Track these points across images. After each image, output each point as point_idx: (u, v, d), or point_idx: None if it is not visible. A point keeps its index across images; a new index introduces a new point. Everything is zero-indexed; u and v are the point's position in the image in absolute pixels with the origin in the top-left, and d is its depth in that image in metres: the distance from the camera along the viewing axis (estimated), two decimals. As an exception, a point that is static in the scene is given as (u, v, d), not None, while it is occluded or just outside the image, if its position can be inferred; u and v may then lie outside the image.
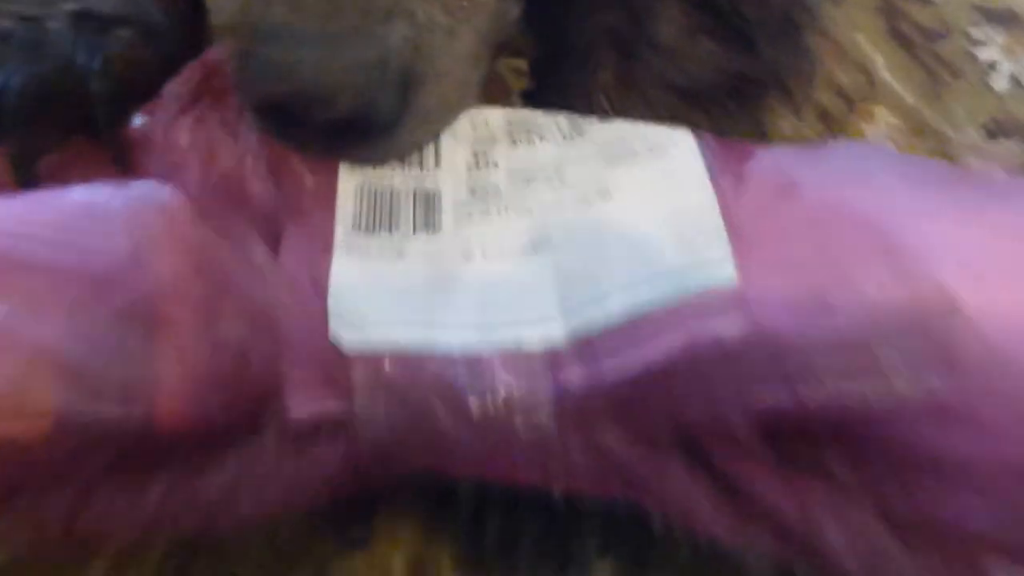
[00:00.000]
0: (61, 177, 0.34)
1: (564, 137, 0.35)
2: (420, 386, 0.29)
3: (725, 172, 0.32)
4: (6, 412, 0.28)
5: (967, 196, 0.30)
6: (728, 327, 0.27)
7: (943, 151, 0.51)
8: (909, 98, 0.53)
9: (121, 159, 0.35)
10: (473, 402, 0.29)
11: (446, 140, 0.35)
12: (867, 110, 0.52)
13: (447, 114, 0.34)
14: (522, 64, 0.46)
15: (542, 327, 0.29)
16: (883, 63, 0.55)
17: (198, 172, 0.33)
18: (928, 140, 0.52)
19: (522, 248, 0.32)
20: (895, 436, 0.26)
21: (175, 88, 0.36)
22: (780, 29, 0.42)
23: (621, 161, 0.34)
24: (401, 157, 0.33)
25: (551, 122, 0.36)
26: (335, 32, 0.30)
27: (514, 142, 0.35)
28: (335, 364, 0.30)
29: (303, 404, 0.30)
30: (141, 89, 0.35)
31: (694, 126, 0.40)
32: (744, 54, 0.42)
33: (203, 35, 0.37)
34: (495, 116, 0.36)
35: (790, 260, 0.28)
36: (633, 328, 0.28)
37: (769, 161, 0.33)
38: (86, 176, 0.34)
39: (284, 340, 0.30)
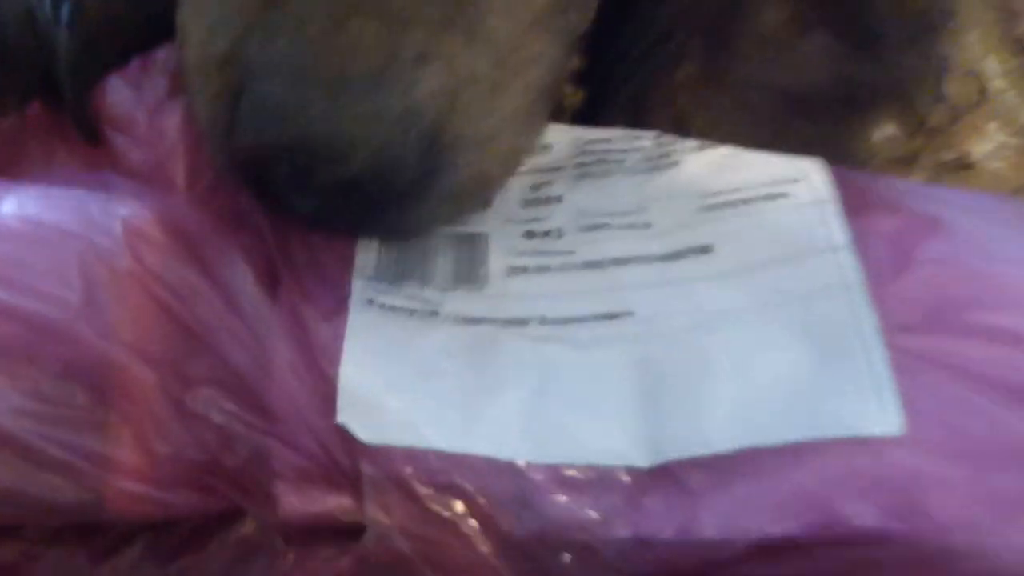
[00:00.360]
0: (15, 150, 0.28)
1: (649, 166, 0.27)
2: (449, 498, 0.22)
3: (878, 235, 0.24)
4: None
5: None
6: (881, 511, 0.19)
7: None
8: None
9: (88, 134, 0.27)
10: (513, 526, 0.22)
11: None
12: (975, 125, 0.45)
13: (487, 188, 0.26)
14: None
15: (617, 448, 0.22)
16: (999, 71, 0.46)
17: (185, 175, 0.26)
18: None
19: (594, 322, 0.24)
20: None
21: (166, 59, 0.28)
22: (913, 30, 0.36)
23: (724, 206, 0.26)
24: (422, 234, 0.26)
25: (632, 143, 0.28)
26: (353, 74, 0.22)
27: (583, 174, 0.28)
28: (340, 453, 0.23)
29: (297, 500, 0.23)
30: (115, 51, 0.29)
31: (796, 138, 0.33)
32: (865, 55, 0.35)
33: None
34: (561, 136, 0.28)
35: (977, 415, 0.20)
36: (746, 474, 0.21)
37: (939, 223, 0.25)
38: (45, 152, 0.28)
39: (273, 415, 0.23)
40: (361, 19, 0.22)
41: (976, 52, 0.47)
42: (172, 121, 0.27)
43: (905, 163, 0.43)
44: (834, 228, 0.24)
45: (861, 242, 0.24)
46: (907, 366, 0.21)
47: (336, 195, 0.23)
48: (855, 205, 0.25)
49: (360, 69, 0.22)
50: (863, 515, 0.20)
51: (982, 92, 0.46)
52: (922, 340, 0.22)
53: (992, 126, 0.45)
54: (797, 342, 0.22)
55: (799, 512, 0.20)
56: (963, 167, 0.43)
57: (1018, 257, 0.23)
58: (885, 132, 0.42)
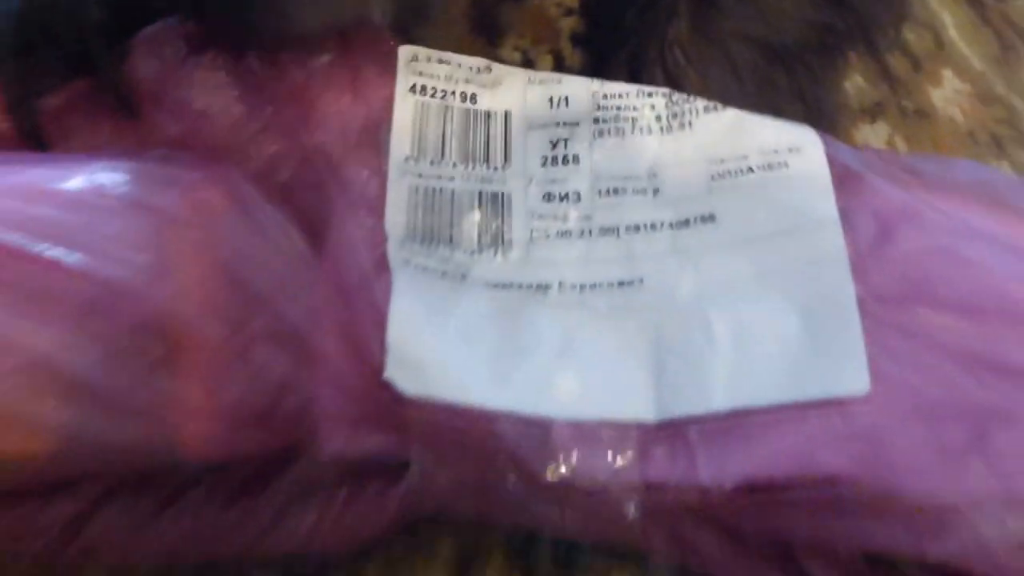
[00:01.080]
0: (63, 126, 0.28)
1: (662, 128, 0.30)
2: (485, 445, 0.25)
3: (862, 211, 0.27)
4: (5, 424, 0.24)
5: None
6: (849, 460, 0.23)
7: (1010, 121, 0.48)
8: (977, 63, 0.48)
9: (126, 106, 0.28)
10: (543, 471, 0.25)
11: (518, 125, 0.30)
12: (934, 72, 0.47)
13: None
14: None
15: (630, 405, 0.25)
16: (951, 22, 0.49)
17: (224, 149, 0.27)
18: (995, 109, 0.48)
19: (609, 290, 0.27)
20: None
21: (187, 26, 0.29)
22: None
23: (730, 174, 0.29)
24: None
25: (645, 99, 0.30)
26: None
27: (600, 132, 0.30)
28: (386, 402, 0.25)
29: (345, 440, 0.26)
30: (143, 21, 0.29)
31: (782, 89, 0.37)
32: (833, 4, 0.37)
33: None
34: (578, 89, 0.30)
35: (934, 376, 0.24)
36: (738, 429, 0.24)
37: (902, 195, 0.28)
38: (91, 126, 0.29)
39: (325, 366, 0.26)
40: None
41: (933, 6, 0.49)
42: (195, 93, 0.28)
43: (872, 113, 0.46)
44: (826, 203, 0.27)
45: (847, 217, 0.27)
46: (879, 334, 0.25)
47: None
48: (843, 179, 0.28)
49: None
50: (834, 464, 0.23)
51: (938, 42, 0.48)
52: (894, 311, 0.25)
53: (947, 73, 0.48)
54: (790, 311, 0.25)
55: (780, 462, 0.24)
56: (923, 115, 0.46)
57: (986, 235, 0.26)
58: (854, 83, 0.45)
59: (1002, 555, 0.22)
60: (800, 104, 0.37)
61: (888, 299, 0.25)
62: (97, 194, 0.25)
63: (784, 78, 0.37)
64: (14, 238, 0.24)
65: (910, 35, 0.48)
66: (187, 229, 0.25)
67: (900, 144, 0.45)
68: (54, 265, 0.24)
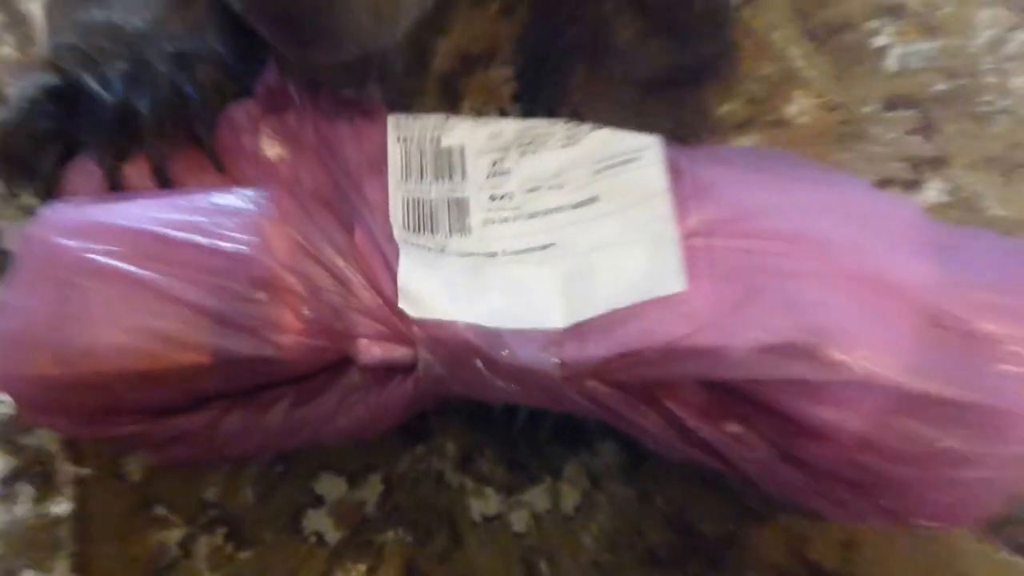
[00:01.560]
0: (182, 178, 0.43)
1: (563, 146, 0.45)
2: (462, 346, 0.40)
3: (679, 183, 0.43)
4: (178, 346, 0.38)
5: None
6: (674, 329, 0.38)
7: (851, 121, 0.62)
8: (820, 82, 0.64)
9: (218, 163, 0.44)
10: (500, 360, 0.40)
11: (470, 153, 0.45)
12: (787, 94, 0.63)
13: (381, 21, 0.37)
14: (509, 72, 0.56)
15: (549, 317, 0.40)
16: (798, 54, 0.65)
17: (286, 181, 0.43)
18: (838, 114, 0.63)
19: (533, 251, 0.42)
20: (783, 405, 0.38)
21: (249, 110, 0.45)
22: (707, 27, 0.53)
23: (605, 170, 0.44)
24: (343, 48, 0.38)
25: (552, 131, 0.46)
26: None
27: (523, 152, 0.45)
28: (401, 324, 0.41)
29: (376, 350, 0.41)
30: (223, 107, 0.45)
31: (654, 114, 0.51)
32: (683, 49, 0.53)
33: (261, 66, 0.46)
34: (508, 128, 0.46)
35: (722, 275, 0.39)
36: (610, 322, 0.39)
37: (711, 172, 0.43)
38: (198, 177, 0.44)
39: (362, 301, 0.40)
40: None
41: (782, 43, 0.65)
42: (265, 147, 0.44)
43: (744, 128, 0.61)
44: (662, 180, 0.43)
45: (674, 184, 0.42)
46: (690, 254, 0.40)
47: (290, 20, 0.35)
48: (673, 166, 0.43)
49: None
50: (665, 334, 0.38)
51: (788, 71, 0.64)
52: (702, 240, 0.40)
53: (797, 92, 0.63)
54: (640, 249, 0.40)
55: (637, 337, 0.38)
56: (781, 124, 0.62)
57: (764, 186, 0.42)
58: (730, 107, 0.61)
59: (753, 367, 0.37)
60: (669, 123, 0.52)
61: (697, 234, 0.41)
62: (215, 205, 0.40)
63: (662, 106, 0.53)
64: (170, 231, 0.39)
65: (767, 69, 0.64)
66: (275, 223, 0.40)
67: (765, 143, 0.61)
68: (197, 246, 0.39)
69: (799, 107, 0.63)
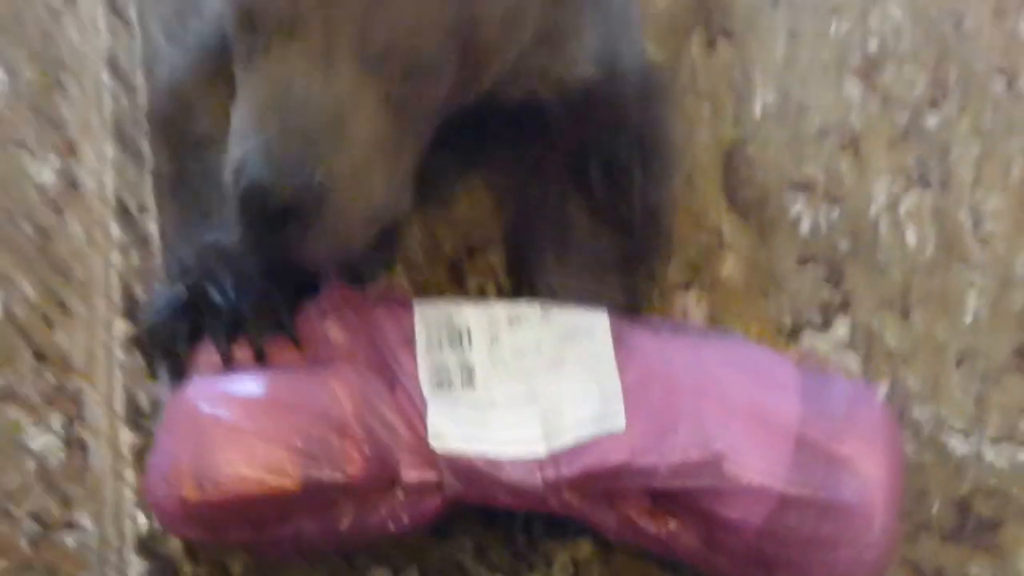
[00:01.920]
0: (273, 355, 0.60)
1: (540, 321, 0.62)
2: (474, 471, 0.57)
3: (620, 347, 0.60)
4: (277, 475, 0.54)
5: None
6: (620, 455, 0.55)
7: (772, 277, 0.78)
8: (746, 247, 0.81)
9: (297, 345, 0.61)
10: (501, 480, 0.57)
11: (475, 329, 0.63)
12: (720, 257, 0.80)
13: (362, 223, 0.55)
14: (501, 256, 0.76)
15: (534, 447, 0.57)
16: (727, 226, 0.82)
17: (347, 355, 0.61)
18: (761, 272, 0.79)
19: (521, 400, 0.59)
20: (702, 507, 0.55)
21: (318, 304, 0.63)
22: (645, 221, 0.71)
23: (570, 339, 0.61)
24: (334, 247, 0.55)
25: (533, 311, 0.63)
26: (287, 166, 0.51)
27: (512, 327, 0.62)
28: (431, 456, 0.57)
29: (414, 474, 0.57)
30: (299, 305, 0.63)
31: (610, 287, 0.68)
32: (628, 239, 0.70)
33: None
34: (501, 310, 0.63)
35: (650, 415, 0.56)
36: (577, 450, 0.56)
37: (642, 339, 0.61)
38: (283, 354, 0.61)
39: (401, 439, 0.57)
40: (284, 141, 0.50)
41: (715, 218, 0.82)
42: (332, 333, 0.61)
43: (686, 286, 0.77)
44: (609, 347, 0.60)
45: (616, 350, 0.60)
46: (629, 401, 0.57)
47: (278, 220, 0.51)
48: (617, 334, 0.61)
49: (291, 163, 0.50)
50: (614, 458, 0.55)
51: (719, 238, 0.81)
52: (636, 390, 0.57)
53: (728, 256, 0.80)
54: (597, 399, 0.57)
55: (595, 460, 0.55)
56: (716, 283, 0.77)
57: (677, 348, 0.59)
58: (675, 267, 0.78)
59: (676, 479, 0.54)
60: (622, 293, 0.69)
61: (632, 386, 0.58)
62: (299, 376, 0.58)
63: (610, 282, 0.69)
64: (271, 396, 0.56)
65: (702, 238, 0.81)
66: (342, 387, 0.57)
67: (703, 302, 0.77)
68: (289, 406, 0.56)
69: (729, 268, 0.79)
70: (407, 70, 0.54)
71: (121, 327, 0.72)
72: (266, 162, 0.51)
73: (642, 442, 0.55)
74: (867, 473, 0.54)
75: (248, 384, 0.57)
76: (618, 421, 0.56)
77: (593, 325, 0.61)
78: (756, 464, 0.54)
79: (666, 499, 0.56)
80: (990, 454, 0.72)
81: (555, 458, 0.56)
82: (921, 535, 0.66)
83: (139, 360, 0.69)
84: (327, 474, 0.55)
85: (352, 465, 0.55)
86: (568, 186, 0.71)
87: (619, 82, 0.71)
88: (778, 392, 0.56)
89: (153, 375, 0.65)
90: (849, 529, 0.54)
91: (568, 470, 0.56)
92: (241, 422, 0.55)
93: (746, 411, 0.55)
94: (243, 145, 0.53)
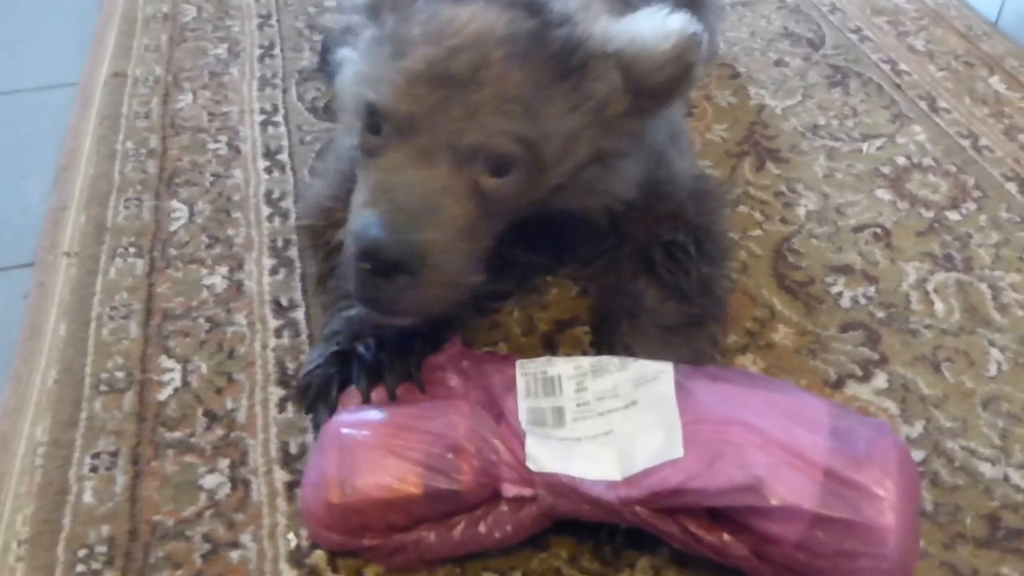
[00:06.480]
0: (402, 396, 0.73)
1: (618, 370, 0.73)
2: (563, 487, 0.67)
3: (680, 391, 0.70)
4: (405, 483, 0.65)
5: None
6: (676, 477, 0.64)
7: (818, 341, 0.88)
8: (795, 318, 0.91)
9: (422, 389, 0.74)
10: (584, 495, 0.67)
11: (564, 379, 0.73)
12: (772, 326, 0.90)
13: (449, 289, 0.68)
14: (586, 329, 0.87)
15: (611, 472, 0.67)
16: (778, 303, 0.93)
17: (462, 396, 0.72)
18: (808, 338, 0.89)
19: (601, 435, 0.70)
20: (749, 522, 0.63)
21: (440, 359, 0.75)
22: (704, 291, 0.82)
23: (641, 384, 0.72)
24: (426, 302, 0.68)
25: (612, 362, 0.74)
26: (392, 236, 0.63)
27: (594, 376, 0.73)
28: (528, 474, 0.68)
29: (514, 489, 0.68)
30: (424, 357, 0.75)
31: (677, 347, 0.79)
32: (689, 306, 0.82)
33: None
34: (585, 361, 0.74)
35: (702, 446, 0.65)
36: (644, 474, 0.66)
37: (699, 384, 0.71)
38: (411, 396, 0.73)
39: (503, 460, 0.68)
40: (395, 214, 0.63)
41: (767, 296, 0.93)
42: (451, 380, 0.73)
43: (743, 350, 0.88)
44: (671, 391, 0.70)
45: (677, 394, 0.70)
46: (686, 435, 0.66)
47: (381, 275, 0.63)
48: (679, 383, 0.71)
49: (398, 229, 0.63)
50: (674, 481, 0.64)
51: (773, 312, 0.91)
52: (691, 426, 0.67)
53: (779, 325, 0.90)
54: (661, 433, 0.67)
55: (659, 482, 0.65)
56: (770, 347, 0.88)
57: (727, 393, 0.69)
58: (732, 336, 0.88)
59: (724, 499, 0.63)
60: (688, 352, 0.80)
61: (689, 423, 0.68)
62: (427, 408, 0.70)
63: (681, 342, 0.80)
64: (402, 422, 0.69)
65: (757, 312, 0.91)
66: (460, 418, 0.69)
67: (759, 361, 0.87)
68: (415, 430, 0.67)
69: (781, 334, 0.90)
70: (489, 166, 0.67)
71: (276, 392, 0.85)
72: (379, 228, 0.63)
73: (695, 468, 0.64)
74: (882, 497, 0.62)
75: (381, 413, 0.70)
76: (677, 451, 0.66)
77: (660, 373, 0.71)
78: (790, 488, 0.63)
79: (720, 515, 0.65)
80: (1016, 477, 0.78)
81: (627, 481, 0.66)
82: (957, 543, 0.73)
83: (290, 416, 0.82)
84: (444, 483, 0.66)
85: (464, 476, 0.66)
86: (638, 268, 0.82)
87: (673, 185, 0.83)
88: (811, 430, 0.65)
89: (309, 411, 0.77)
90: (867, 544, 0.62)
91: (638, 491, 0.66)
92: (376, 441, 0.67)
93: (783, 445, 0.64)
94: (360, 218, 0.65)
